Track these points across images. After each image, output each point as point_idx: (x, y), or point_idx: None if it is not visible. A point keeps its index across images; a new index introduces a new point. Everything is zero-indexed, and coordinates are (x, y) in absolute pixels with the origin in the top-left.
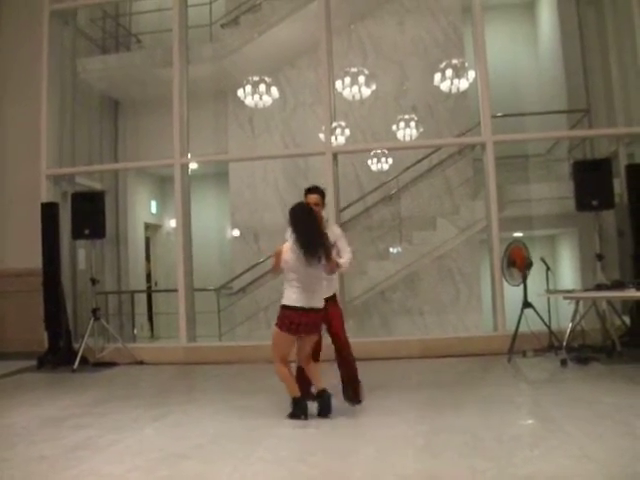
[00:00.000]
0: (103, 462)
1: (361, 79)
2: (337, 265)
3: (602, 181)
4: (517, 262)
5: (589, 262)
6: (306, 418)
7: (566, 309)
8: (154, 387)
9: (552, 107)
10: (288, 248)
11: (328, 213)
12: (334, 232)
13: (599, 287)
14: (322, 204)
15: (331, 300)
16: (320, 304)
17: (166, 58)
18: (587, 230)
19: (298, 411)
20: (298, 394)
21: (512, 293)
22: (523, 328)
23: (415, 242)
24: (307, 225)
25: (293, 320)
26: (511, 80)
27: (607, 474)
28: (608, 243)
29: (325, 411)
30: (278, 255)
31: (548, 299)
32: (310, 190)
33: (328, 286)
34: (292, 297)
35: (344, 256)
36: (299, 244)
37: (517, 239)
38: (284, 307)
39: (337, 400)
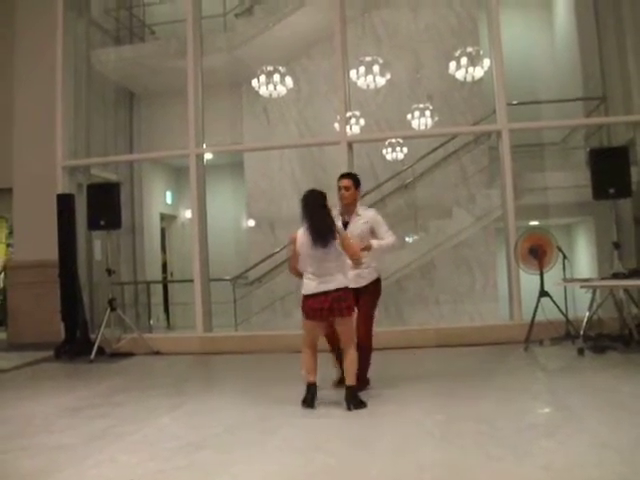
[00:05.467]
0: (120, 451)
1: (375, 68)
2: (358, 251)
3: (619, 169)
4: (539, 253)
5: (606, 250)
6: (308, 407)
7: (583, 298)
8: (170, 377)
9: (568, 95)
10: (302, 233)
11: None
12: (366, 215)
13: (616, 276)
14: (354, 187)
15: (364, 288)
16: (330, 287)
17: (180, 49)
18: (604, 218)
19: (305, 397)
20: (308, 380)
21: (528, 282)
22: (540, 317)
23: (431, 231)
24: (314, 210)
25: (309, 305)
26: (527, 68)
27: (625, 462)
28: (625, 231)
29: (354, 406)
30: (293, 241)
31: (565, 288)
32: (342, 175)
33: (359, 274)
34: (304, 285)
35: (385, 239)
36: (306, 227)
37: (541, 228)
38: (303, 296)
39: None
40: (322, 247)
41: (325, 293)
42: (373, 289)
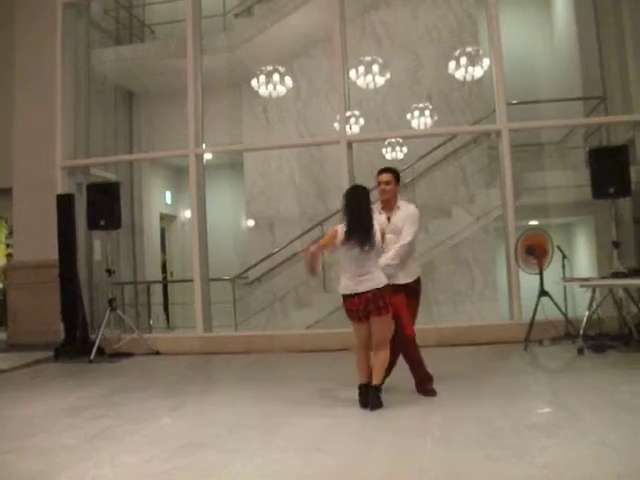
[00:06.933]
0: (121, 452)
1: (375, 68)
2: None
3: (618, 168)
4: (536, 251)
5: (605, 250)
6: (363, 407)
7: (583, 297)
8: (171, 377)
9: (568, 94)
10: (341, 231)
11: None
12: (407, 211)
13: (616, 275)
14: (395, 182)
15: (404, 287)
16: (363, 289)
17: (180, 48)
18: (603, 218)
19: (359, 397)
20: (361, 381)
21: (528, 281)
22: (539, 316)
23: (430, 231)
24: (355, 209)
25: (346, 307)
26: (526, 67)
27: (625, 462)
28: (625, 231)
29: (370, 405)
30: (332, 235)
31: (564, 287)
32: (382, 170)
33: (403, 272)
34: (341, 284)
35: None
36: (346, 226)
37: (539, 228)
38: (341, 295)
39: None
40: (360, 248)
41: (359, 295)
42: (417, 287)
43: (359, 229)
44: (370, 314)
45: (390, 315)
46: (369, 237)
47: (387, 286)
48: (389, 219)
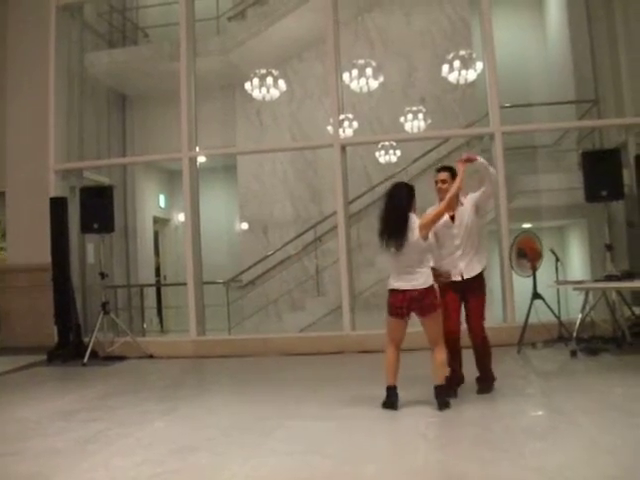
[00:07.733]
0: (114, 455)
1: (368, 71)
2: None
3: (611, 171)
4: (528, 254)
5: (599, 253)
6: (390, 408)
7: (576, 300)
8: (164, 380)
9: (561, 97)
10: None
11: (337, 205)
12: (470, 201)
13: (609, 278)
14: (452, 180)
15: (473, 280)
16: (408, 286)
17: (173, 52)
18: (596, 221)
19: (384, 400)
20: (388, 383)
21: (521, 284)
22: (533, 319)
23: None
24: (388, 207)
25: (390, 301)
26: (519, 70)
27: (618, 465)
28: (617, 234)
29: (439, 406)
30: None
31: (558, 290)
32: (439, 169)
33: (471, 262)
34: (389, 281)
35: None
36: (378, 227)
37: (528, 230)
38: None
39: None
40: (396, 249)
41: (403, 292)
42: (480, 280)
43: (391, 230)
44: (414, 312)
45: (438, 313)
46: (401, 236)
47: (432, 287)
48: (452, 218)
